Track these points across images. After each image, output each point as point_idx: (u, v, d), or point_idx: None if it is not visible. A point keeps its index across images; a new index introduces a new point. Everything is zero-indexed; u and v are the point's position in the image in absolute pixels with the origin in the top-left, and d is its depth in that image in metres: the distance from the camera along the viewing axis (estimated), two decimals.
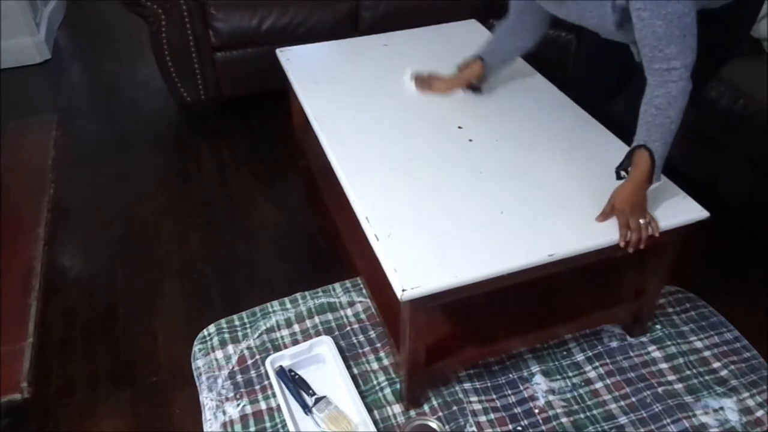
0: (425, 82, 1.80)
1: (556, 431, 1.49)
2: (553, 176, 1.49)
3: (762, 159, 1.87)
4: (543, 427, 1.49)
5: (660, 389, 1.57)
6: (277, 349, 1.67)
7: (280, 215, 2.18)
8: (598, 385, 1.59)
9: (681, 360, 1.64)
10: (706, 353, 1.66)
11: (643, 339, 1.70)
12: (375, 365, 1.64)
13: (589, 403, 1.55)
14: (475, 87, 1.78)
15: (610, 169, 1.51)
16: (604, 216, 1.35)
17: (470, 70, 1.75)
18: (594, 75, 1.86)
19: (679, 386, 1.58)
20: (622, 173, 1.38)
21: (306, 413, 1.50)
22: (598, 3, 1.35)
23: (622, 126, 1.62)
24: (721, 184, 2.06)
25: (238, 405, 1.55)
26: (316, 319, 1.77)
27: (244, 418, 1.52)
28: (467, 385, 1.58)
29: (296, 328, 1.74)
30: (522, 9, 1.63)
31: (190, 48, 2.45)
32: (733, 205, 2.01)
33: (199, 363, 1.66)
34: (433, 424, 1.45)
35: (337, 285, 1.87)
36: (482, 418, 1.51)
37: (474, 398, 1.55)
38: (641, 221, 1.32)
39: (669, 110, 1.28)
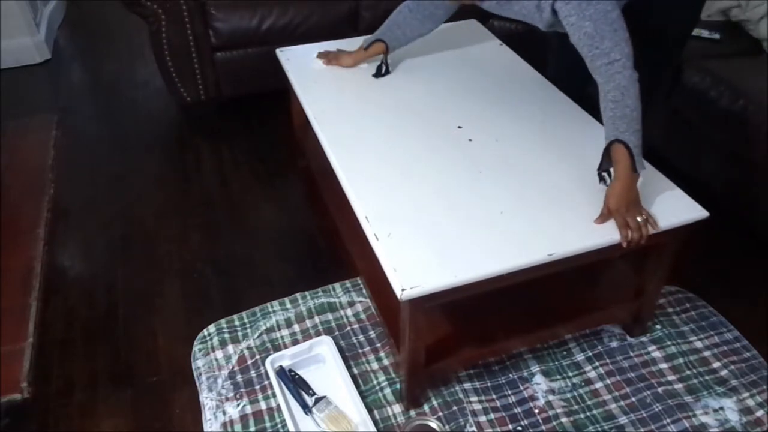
0: (333, 57, 1.95)
1: (556, 431, 1.49)
2: (553, 176, 1.49)
3: (762, 159, 1.87)
4: (543, 427, 1.49)
5: (660, 389, 1.57)
6: (277, 349, 1.67)
7: (280, 215, 2.18)
8: (598, 385, 1.59)
9: (681, 360, 1.64)
10: (706, 353, 1.66)
11: (643, 339, 1.70)
12: (375, 365, 1.64)
13: (589, 403, 1.55)
14: (384, 71, 1.88)
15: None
16: (602, 219, 1.35)
17: (373, 49, 1.88)
18: (567, 63, 1.85)
19: (679, 386, 1.58)
20: (604, 175, 1.39)
21: (306, 413, 1.50)
22: (526, 3, 1.44)
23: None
24: (720, 184, 2.06)
25: (238, 405, 1.55)
26: (316, 319, 1.77)
27: (244, 418, 1.52)
28: (467, 385, 1.58)
29: (296, 328, 1.74)
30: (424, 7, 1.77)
31: (190, 48, 2.45)
32: (732, 205, 2.01)
33: (199, 363, 1.66)
34: (433, 424, 1.45)
35: (337, 285, 1.87)
36: (482, 418, 1.51)
37: (474, 398, 1.55)
38: (639, 219, 1.32)
39: (625, 100, 1.31)
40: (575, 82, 1.77)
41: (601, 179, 1.40)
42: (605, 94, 1.34)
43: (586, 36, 1.31)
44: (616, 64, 1.30)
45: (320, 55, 1.96)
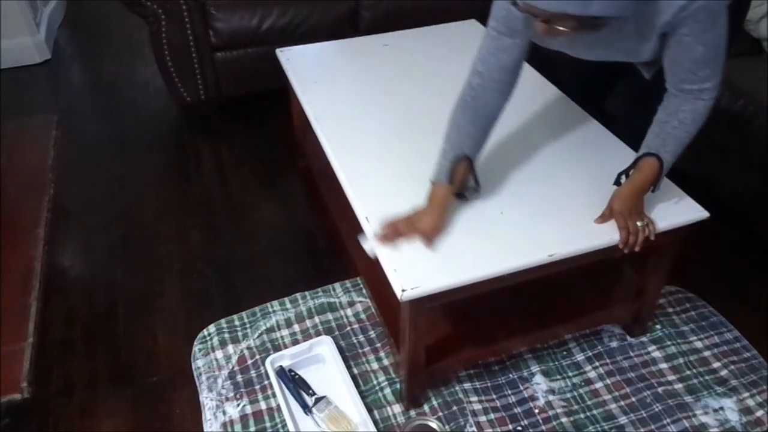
0: (402, 229, 1.31)
1: (556, 431, 1.49)
2: (553, 176, 1.49)
3: (762, 159, 1.87)
4: (543, 427, 1.49)
5: (660, 389, 1.57)
6: (277, 349, 1.67)
7: (280, 215, 2.18)
8: (598, 385, 1.59)
9: (681, 360, 1.64)
10: (706, 353, 1.66)
11: (643, 339, 1.70)
12: (375, 365, 1.64)
13: (589, 403, 1.55)
14: (476, 187, 1.42)
15: (610, 169, 1.51)
16: (603, 219, 1.35)
17: (459, 174, 1.35)
18: (582, 78, 1.81)
19: (679, 386, 1.58)
20: (622, 177, 1.38)
21: (306, 413, 1.50)
22: (637, 39, 1.25)
23: (616, 123, 1.62)
24: (720, 184, 2.05)
25: (238, 405, 1.55)
26: (316, 319, 1.77)
27: (244, 418, 1.52)
28: (467, 385, 1.58)
29: (296, 328, 1.74)
30: (495, 68, 1.32)
31: (190, 48, 2.45)
32: (732, 205, 2.01)
33: (199, 363, 1.66)
34: (433, 424, 1.45)
35: (337, 285, 1.87)
36: (482, 418, 1.51)
37: (474, 398, 1.55)
38: (639, 224, 1.32)
39: (691, 126, 1.29)
40: (586, 103, 1.74)
41: (618, 182, 1.38)
42: (677, 111, 1.28)
43: (690, 60, 1.21)
44: (705, 93, 1.26)
45: (383, 238, 1.31)
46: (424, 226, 1.30)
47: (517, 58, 1.33)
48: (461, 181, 1.36)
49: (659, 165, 1.30)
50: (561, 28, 1.08)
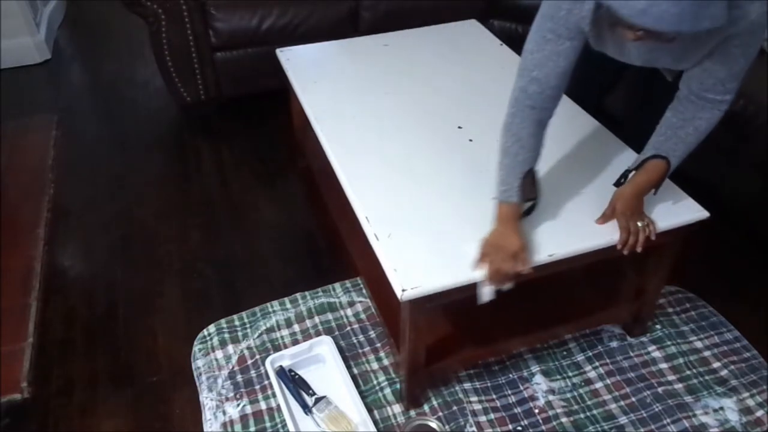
0: (505, 270, 1.26)
1: (556, 431, 1.49)
2: (553, 176, 1.49)
3: (762, 159, 1.87)
4: (543, 427, 1.49)
5: (660, 389, 1.57)
6: (277, 349, 1.67)
7: (280, 215, 2.18)
8: (598, 385, 1.59)
9: (681, 360, 1.64)
10: (706, 353, 1.66)
11: (643, 339, 1.70)
12: (375, 365, 1.64)
13: (589, 403, 1.55)
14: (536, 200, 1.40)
15: (610, 169, 1.51)
16: (604, 219, 1.36)
17: (528, 190, 1.33)
18: (588, 74, 1.81)
19: (679, 386, 1.58)
20: (626, 177, 1.37)
21: (306, 413, 1.50)
22: (695, 47, 1.20)
23: (616, 122, 1.61)
24: (721, 184, 2.05)
25: (238, 405, 1.55)
26: (316, 319, 1.77)
27: (244, 418, 1.52)
28: (467, 385, 1.58)
29: (296, 328, 1.74)
30: (554, 74, 1.23)
31: (190, 48, 2.45)
32: (733, 205, 2.01)
33: (199, 363, 1.66)
34: (433, 424, 1.45)
35: (337, 285, 1.87)
36: (482, 418, 1.51)
37: (474, 398, 1.55)
38: (640, 224, 1.32)
39: (703, 134, 1.29)
40: (590, 99, 1.74)
41: (619, 183, 1.38)
42: (694, 118, 1.27)
43: (727, 71, 1.19)
44: (723, 104, 1.25)
45: (496, 282, 1.28)
46: (518, 249, 1.25)
47: (574, 60, 1.23)
48: (527, 195, 1.32)
49: (666, 168, 1.30)
50: (651, 39, 1.05)
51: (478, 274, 1.24)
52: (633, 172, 1.35)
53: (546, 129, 1.29)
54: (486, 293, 1.27)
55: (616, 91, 1.78)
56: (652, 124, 1.34)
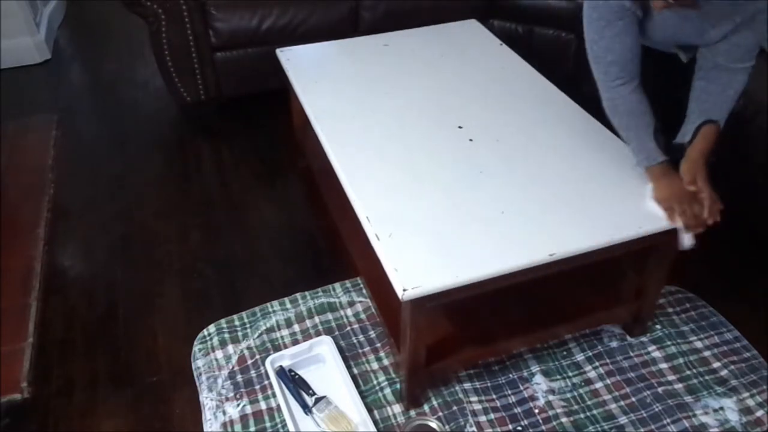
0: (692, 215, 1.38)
1: (556, 431, 1.49)
2: (554, 175, 1.49)
3: (762, 159, 1.87)
4: (543, 427, 1.49)
5: (660, 389, 1.57)
6: (277, 349, 1.67)
7: (280, 215, 2.18)
8: (598, 385, 1.59)
9: (681, 360, 1.64)
10: (706, 353, 1.66)
11: (643, 339, 1.70)
12: (375, 365, 1.64)
13: (589, 403, 1.55)
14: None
15: (610, 169, 1.51)
16: (693, 185, 1.38)
17: (703, 145, 1.44)
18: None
19: (679, 386, 1.58)
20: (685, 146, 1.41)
21: (306, 413, 1.50)
22: (721, 21, 1.31)
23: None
24: (721, 184, 2.05)
25: (238, 405, 1.55)
26: (316, 319, 1.77)
27: (244, 418, 1.52)
28: (467, 385, 1.58)
29: (296, 328, 1.74)
30: (626, 49, 1.36)
31: (190, 48, 2.45)
32: (733, 205, 2.01)
33: (199, 363, 1.66)
34: (433, 424, 1.45)
35: (337, 285, 1.87)
36: (482, 418, 1.51)
37: (474, 398, 1.55)
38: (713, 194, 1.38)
39: (741, 92, 1.40)
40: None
41: (677, 156, 1.42)
42: (731, 83, 1.37)
43: (756, 41, 1.30)
44: (750, 68, 1.36)
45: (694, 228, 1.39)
46: (692, 192, 1.38)
47: (636, 31, 1.35)
48: (665, 149, 1.44)
49: (718, 130, 1.38)
50: (680, 6, 1.14)
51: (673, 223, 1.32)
52: (690, 143, 1.40)
53: (642, 87, 1.40)
54: (687, 239, 1.37)
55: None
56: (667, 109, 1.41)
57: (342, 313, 1.78)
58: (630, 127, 1.43)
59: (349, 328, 1.74)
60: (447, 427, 1.49)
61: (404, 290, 1.20)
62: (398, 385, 1.57)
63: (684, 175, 1.40)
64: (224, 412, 1.53)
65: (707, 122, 1.38)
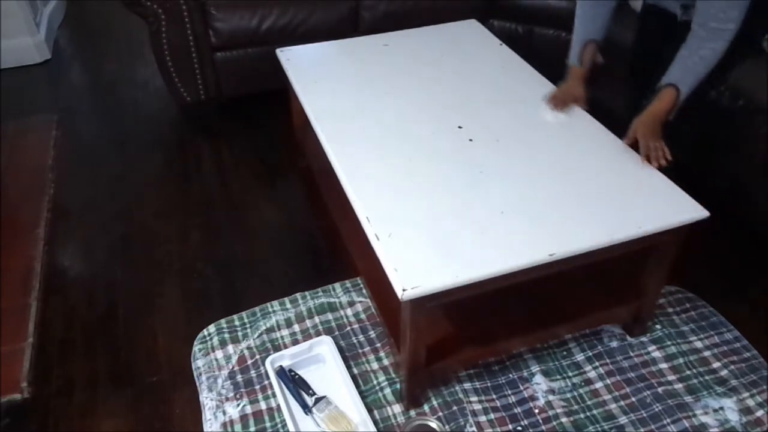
0: (560, 101, 1.72)
1: (556, 431, 1.49)
2: (554, 175, 1.49)
3: (762, 159, 1.87)
4: (543, 427, 1.49)
5: (660, 389, 1.57)
6: (277, 349, 1.67)
7: (280, 215, 2.18)
8: (598, 385, 1.59)
9: (681, 360, 1.64)
10: (706, 353, 1.66)
11: (643, 339, 1.70)
12: (375, 365, 1.64)
13: (589, 403, 1.55)
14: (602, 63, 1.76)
15: (610, 169, 1.51)
16: (628, 140, 1.54)
17: (588, 56, 1.73)
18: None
19: (679, 386, 1.58)
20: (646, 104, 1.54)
21: (306, 413, 1.50)
22: None
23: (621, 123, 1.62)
24: (721, 184, 2.05)
25: (238, 405, 1.55)
26: (316, 319, 1.77)
27: (244, 418, 1.52)
28: (467, 385, 1.58)
29: (296, 328, 1.74)
30: None
31: (190, 48, 2.45)
32: (732, 204, 2.01)
33: (199, 363, 1.66)
34: (433, 424, 1.45)
35: (337, 285, 1.87)
36: (482, 418, 1.51)
37: (474, 398, 1.55)
38: (657, 144, 1.49)
39: (710, 62, 1.46)
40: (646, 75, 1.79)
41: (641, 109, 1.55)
42: (698, 48, 1.45)
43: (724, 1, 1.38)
44: (726, 33, 1.41)
45: (553, 105, 1.73)
46: (578, 96, 1.73)
47: None
48: (589, 61, 1.72)
49: (676, 94, 1.48)
50: None
51: None
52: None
53: (607, 11, 1.67)
54: (549, 111, 1.71)
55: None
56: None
57: (342, 313, 1.78)
58: (576, 30, 1.73)
59: (349, 328, 1.74)
60: (447, 427, 1.49)
61: (404, 290, 1.20)
62: (398, 385, 1.57)
63: (631, 128, 1.53)
64: (224, 412, 1.53)
65: (668, 85, 1.49)
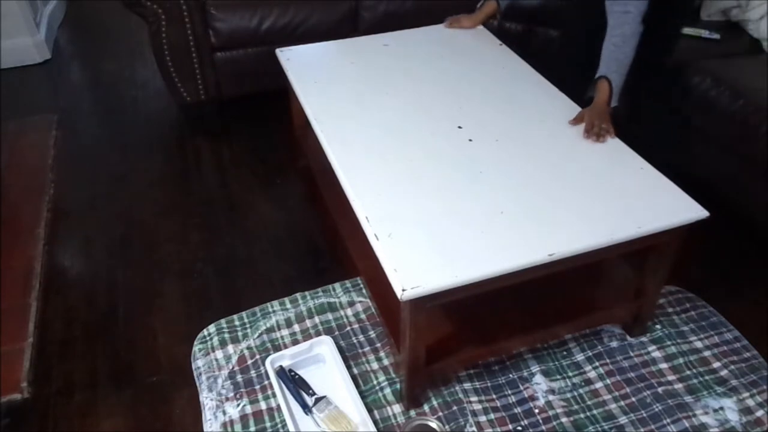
0: (454, 20, 2.17)
1: (556, 431, 1.49)
2: (553, 175, 1.49)
3: (762, 159, 1.87)
4: (543, 427, 1.49)
5: (660, 389, 1.57)
6: (277, 349, 1.67)
7: (280, 215, 2.18)
8: (598, 385, 1.59)
9: (681, 360, 1.64)
10: (706, 353, 1.66)
11: (643, 339, 1.70)
12: (375, 365, 1.64)
13: (589, 403, 1.55)
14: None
15: (609, 168, 1.51)
16: (575, 121, 1.64)
17: (486, 11, 2.14)
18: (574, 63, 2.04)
19: (679, 386, 1.58)
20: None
21: (306, 413, 1.50)
22: None
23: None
24: (720, 183, 2.06)
25: (238, 405, 1.55)
26: (316, 319, 1.77)
27: (244, 418, 1.52)
28: (467, 385, 1.58)
29: (296, 328, 1.74)
30: None
31: (190, 48, 2.45)
32: (733, 204, 2.01)
33: (199, 363, 1.66)
34: (433, 424, 1.45)
35: (337, 285, 1.87)
36: (482, 418, 1.51)
37: (474, 398, 1.55)
38: (600, 124, 1.59)
39: (624, 47, 1.61)
40: (579, 83, 1.83)
41: (588, 101, 1.69)
42: (611, 36, 1.62)
43: None
44: (629, 16, 1.57)
45: (447, 22, 2.18)
46: (465, 23, 2.16)
47: None
48: (487, 15, 2.16)
49: (608, 84, 1.63)
50: None
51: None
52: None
53: None
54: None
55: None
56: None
57: (342, 313, 1.78)
58: None
59: (349, 328, 1.74)
60: (447, 427, 1.49)
61: (403, 290, 1.20)
62: (398, 385, 1.57)
63: (586, 119, 1.64)
64: (224, 412, 1.53)
65: (599, 78, 1.65)
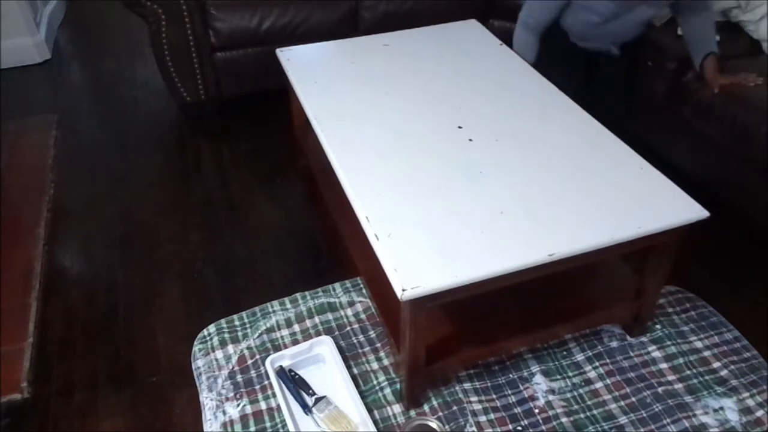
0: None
1: (556, 431, 1.49)
2: (553, 175, 1.49)
3: (761, 159, 1.87)
4: (543, 427, 1.49)
5: (660, 389, 1.57)
6: (277, 349, 1.67)
7: (280, 215, 2.18)
8: (598, 385, 1.59)
9: (681, 360, 1.64)
10: (706, 353, 1.66)
11: (643, 339, 1.70)
12: (375, 365, 1.64)
13: (589, 403, 1.55)
14: None
15: (609, 168, 1.51)
16: (717, 88, 1.96)
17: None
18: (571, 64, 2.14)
19: (679, 386, 1.58)
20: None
21: (306, 413, 1.50)
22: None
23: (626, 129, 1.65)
24: (720, 183, 2.06)
25: (238, 405, 1.55)
26: (316, 319, 1.77)
27: (244, 418, 1.52)
28: (467, 385, 1.58)
29: (296, 328, 1.74)
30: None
31: (190, 48, 2.45)
32: (733, 205, 2.01)
33: (199, 363, 1.66)
34: (433, 424, 1.45)
35: (337, 285, 1.87)
36: (482, 418, 1.51)
37: (474, 398, 1.55)
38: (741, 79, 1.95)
39: (713, 19, 1.96)
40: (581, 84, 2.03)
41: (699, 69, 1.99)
42: (706, 18, 1.92)
43: None
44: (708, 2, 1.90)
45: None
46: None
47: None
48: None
49: (715, 57, 1.94)
50: None
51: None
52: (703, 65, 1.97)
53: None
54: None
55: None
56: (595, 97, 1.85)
57: (342, 313, 1.78)
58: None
59: (349, 328, 1.74)
60: (447, 427, 1.49)
61: (403, 290, 1.20)
62: (398, 385, 1.57)
63: (708, 82, 1.96)
64: (224, 412, 1.53)
65: (709, 54, 1.92)
